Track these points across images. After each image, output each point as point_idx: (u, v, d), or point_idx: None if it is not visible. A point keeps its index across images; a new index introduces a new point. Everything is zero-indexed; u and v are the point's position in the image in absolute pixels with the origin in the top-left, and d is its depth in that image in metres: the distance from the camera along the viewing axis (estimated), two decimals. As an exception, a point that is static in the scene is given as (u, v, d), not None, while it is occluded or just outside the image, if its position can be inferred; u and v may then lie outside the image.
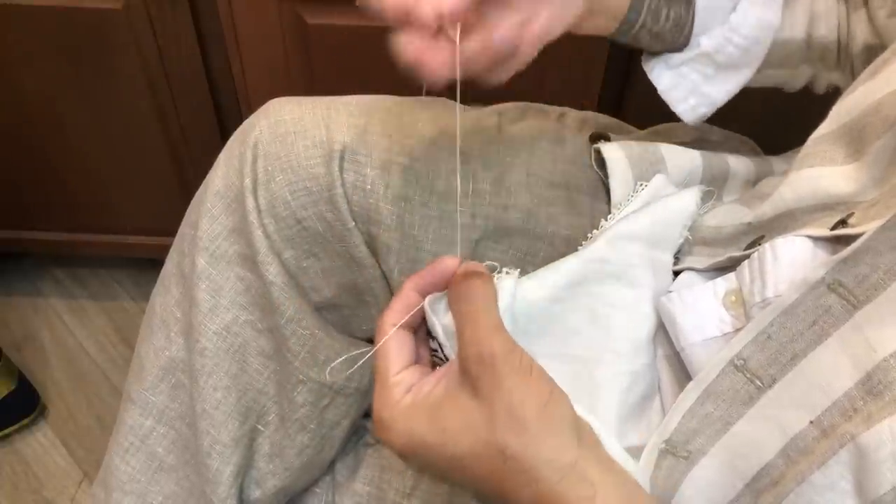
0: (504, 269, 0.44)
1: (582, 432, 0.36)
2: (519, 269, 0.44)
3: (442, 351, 0.41)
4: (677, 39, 0.56)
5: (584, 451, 0.35)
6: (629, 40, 0.56)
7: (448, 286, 0.39)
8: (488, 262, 0.42)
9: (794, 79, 0.63)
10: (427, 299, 0.41)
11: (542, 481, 0.34)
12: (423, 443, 0.36)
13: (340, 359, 0.56)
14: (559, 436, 0.35)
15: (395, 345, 0.40)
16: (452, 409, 0.36)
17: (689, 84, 0.57)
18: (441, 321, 0.40)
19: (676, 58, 0.57)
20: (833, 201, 0.48)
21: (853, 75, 0.60)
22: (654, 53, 0.58)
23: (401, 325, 0.40)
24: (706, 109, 0.59)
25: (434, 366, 0.42)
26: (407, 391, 0.38)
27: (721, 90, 0.58)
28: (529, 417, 0.35)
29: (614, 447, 0.39)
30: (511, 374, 0.35)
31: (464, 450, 0.35)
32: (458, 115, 0.48)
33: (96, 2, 0.86)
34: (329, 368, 0.56)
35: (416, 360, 0.41)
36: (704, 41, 0.56)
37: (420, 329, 0.42)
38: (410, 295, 0.41)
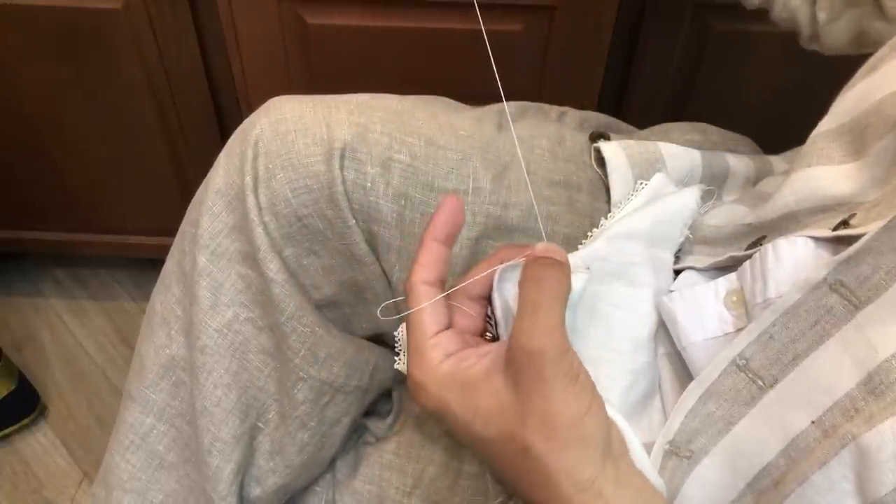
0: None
1: (611, 444, 0.36)
2: (589, 268, 0.43)
3: (495, 324, 0.40)
4: None
5: (606, 468, 0.35)
6: None
7: (527, 260, 0.38)
8: None
9: None
10: (499, 269, 0.40)
11: (559, 490, 0.34)
12: (452, 413, 0.37)
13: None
14: (586, 450, 0.35)
15: (428, 305, 0.39)
16: (488, 392, 0.36)
17: None
18: (502, 296, 0.39)
19: None
20: (834, 202, 0.48)
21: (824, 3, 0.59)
22: None
23: (429, 283, 0.39)
24: None
25: (486, 331, 0.41)
26: (446, 356, 0.38)
27: None
28: (561, 426, 0.34)
29: (638, 449, 0.39)
30: (556, 378, 0.35)
31: (490, 434, 0.36)
32: (508, 113, 0.46)
33: (96, 2, 0.86)
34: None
35: (450, 324, 0.40)
36: None
37: (472, 289, 0.41)
38: (433, 246, 0.40)
